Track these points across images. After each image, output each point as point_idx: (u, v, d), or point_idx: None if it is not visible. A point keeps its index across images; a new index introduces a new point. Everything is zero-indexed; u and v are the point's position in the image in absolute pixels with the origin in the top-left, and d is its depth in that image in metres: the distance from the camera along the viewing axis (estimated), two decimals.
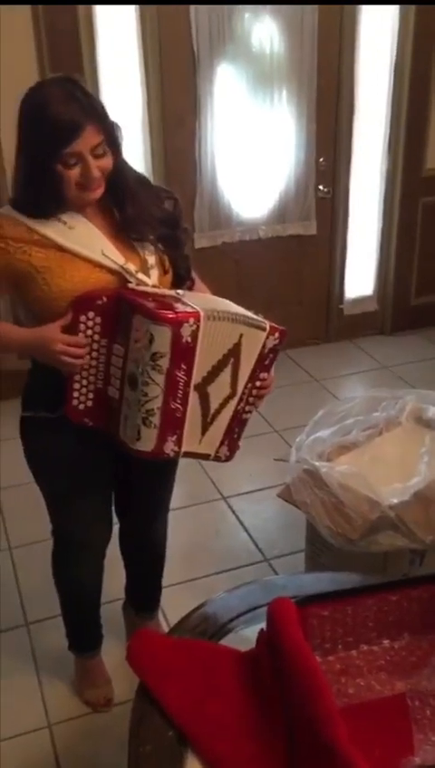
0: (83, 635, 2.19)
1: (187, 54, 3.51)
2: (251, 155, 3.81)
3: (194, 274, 1.86)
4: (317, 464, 2.19)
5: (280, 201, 3.98)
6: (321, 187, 4.02)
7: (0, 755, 2.04)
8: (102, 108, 1.58)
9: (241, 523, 2.94)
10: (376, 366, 4.17)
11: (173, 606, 2.40)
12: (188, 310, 1.58)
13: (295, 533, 2.77)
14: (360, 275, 4.36)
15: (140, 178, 1.75)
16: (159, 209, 1.76)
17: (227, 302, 1.71)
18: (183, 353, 1.58)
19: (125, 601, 2.35)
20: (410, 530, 2.08)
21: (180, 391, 1.61)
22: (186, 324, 1.55)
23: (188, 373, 1.61)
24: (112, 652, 2.26)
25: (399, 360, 4.18)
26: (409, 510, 2.08)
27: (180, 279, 1.80)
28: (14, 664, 2.33)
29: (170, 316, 1.55)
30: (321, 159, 3.97)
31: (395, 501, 2.09)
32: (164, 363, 1.57)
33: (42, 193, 1.57)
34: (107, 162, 1.59)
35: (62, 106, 1.50)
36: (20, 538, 2.86)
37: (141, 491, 2.03)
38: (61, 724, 2.14)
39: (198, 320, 1.57)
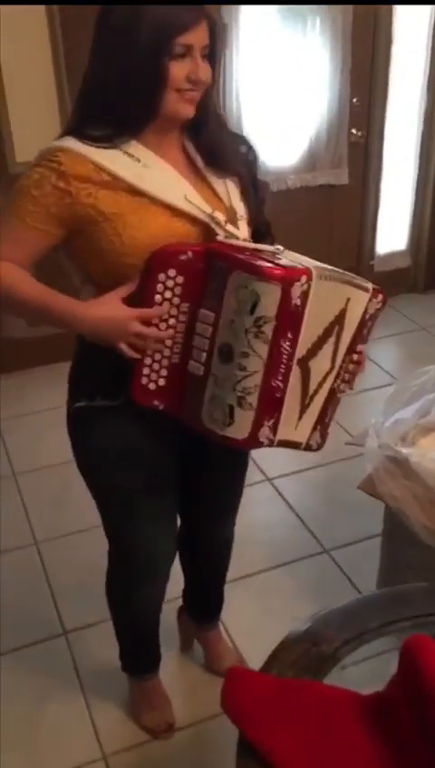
0: (141, 657, 1.91)
1: None
2: (279, 95, 3.43)
3: None
4: (405, 451, 1.89)
5: (310, 147, 3.61)
6: (354, 131, 3.66)
7: None
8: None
9: (291, 509, 2.65)
10: (413, 327, 3.86)
11: (228, 607, 2.10)
12: (298, 267, 1.29)
13: (354, 519, 2.50)
14: (393, 229, 4.03)
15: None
16: (237, 152, 1.46)
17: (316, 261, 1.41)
18: (291, 318, 1.29)
19: (181, 609, 2.07)
20: None
21: (283, 366, 1.32)
22: (297, 283, 1.26)
23: (294, 343, 1.31)
24: (167, 666, 1.97)
25: None
26: None
27: (260, 236, 1.50)
28: (56, 681, 2.04)
29: (279, 273, 1.25)
30: (354, 100, 3.59)
31: None
32: (269, 330, 1.27)
33: (135, 96, 1.27)
34: (209, 72, 1.30)
35: None
36: (46, 531, 2.56)
37: (211, 489, 1.73)
38: (117, 754, 1.86)
39: (310, 278, 1.28)
